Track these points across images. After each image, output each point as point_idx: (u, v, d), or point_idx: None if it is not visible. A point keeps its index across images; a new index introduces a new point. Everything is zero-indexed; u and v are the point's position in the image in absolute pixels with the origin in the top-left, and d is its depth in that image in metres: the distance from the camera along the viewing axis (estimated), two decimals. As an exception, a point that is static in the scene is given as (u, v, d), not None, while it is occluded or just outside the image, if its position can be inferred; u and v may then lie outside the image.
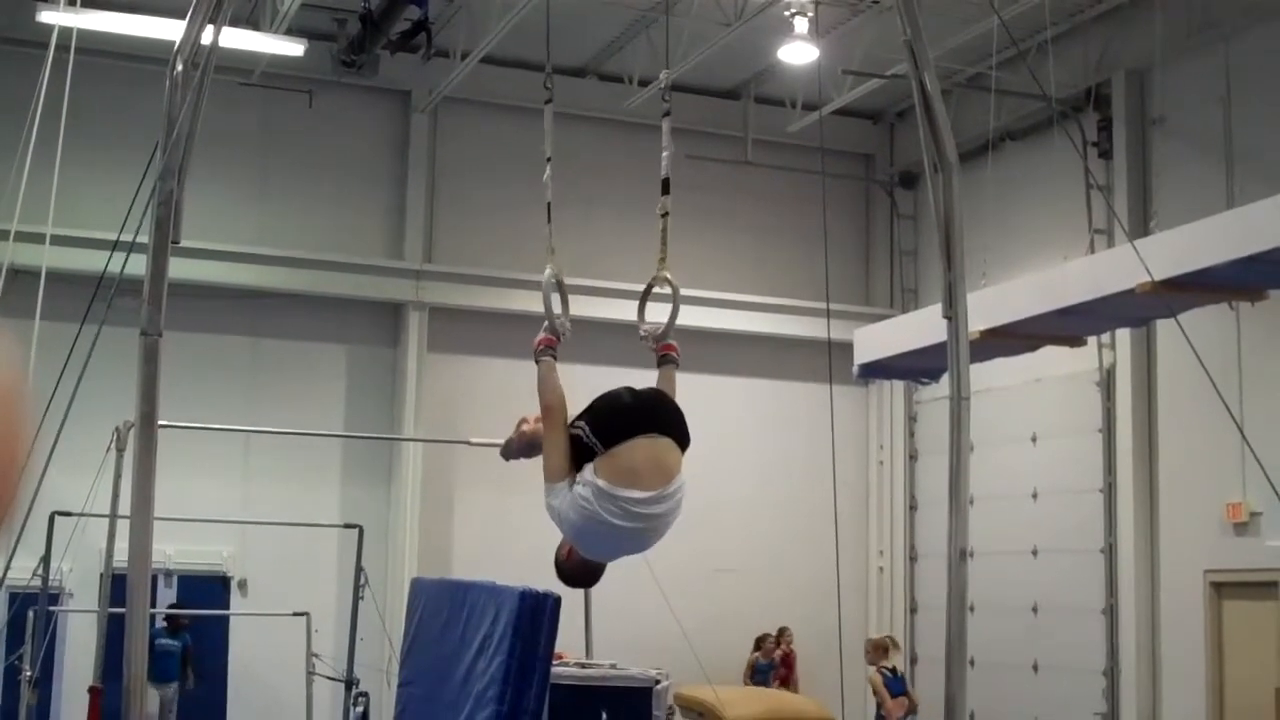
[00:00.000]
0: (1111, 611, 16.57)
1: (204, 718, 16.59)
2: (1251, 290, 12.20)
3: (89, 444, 11.67)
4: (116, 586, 10.63)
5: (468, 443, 14.65)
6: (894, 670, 15.52)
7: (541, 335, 5.38)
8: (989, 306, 12.70)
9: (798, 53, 16.79)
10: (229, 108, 16.30)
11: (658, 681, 11.19)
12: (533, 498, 17.15)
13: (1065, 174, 16.41)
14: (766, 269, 20.03)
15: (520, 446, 5.78)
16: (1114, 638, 16.51)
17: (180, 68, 6.06)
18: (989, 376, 14.40)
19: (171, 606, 16.27)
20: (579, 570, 5.47)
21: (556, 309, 5.38)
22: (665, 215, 6.00)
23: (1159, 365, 16.14)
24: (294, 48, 16.53)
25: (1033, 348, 14.16)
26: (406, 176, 18.94)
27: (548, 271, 5.46)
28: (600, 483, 4.98)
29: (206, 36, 6.13)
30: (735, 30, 16.54)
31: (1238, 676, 15.01)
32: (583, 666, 11.93)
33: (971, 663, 6.92)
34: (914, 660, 19.99)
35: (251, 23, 16.26)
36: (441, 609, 11.20)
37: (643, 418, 5.18)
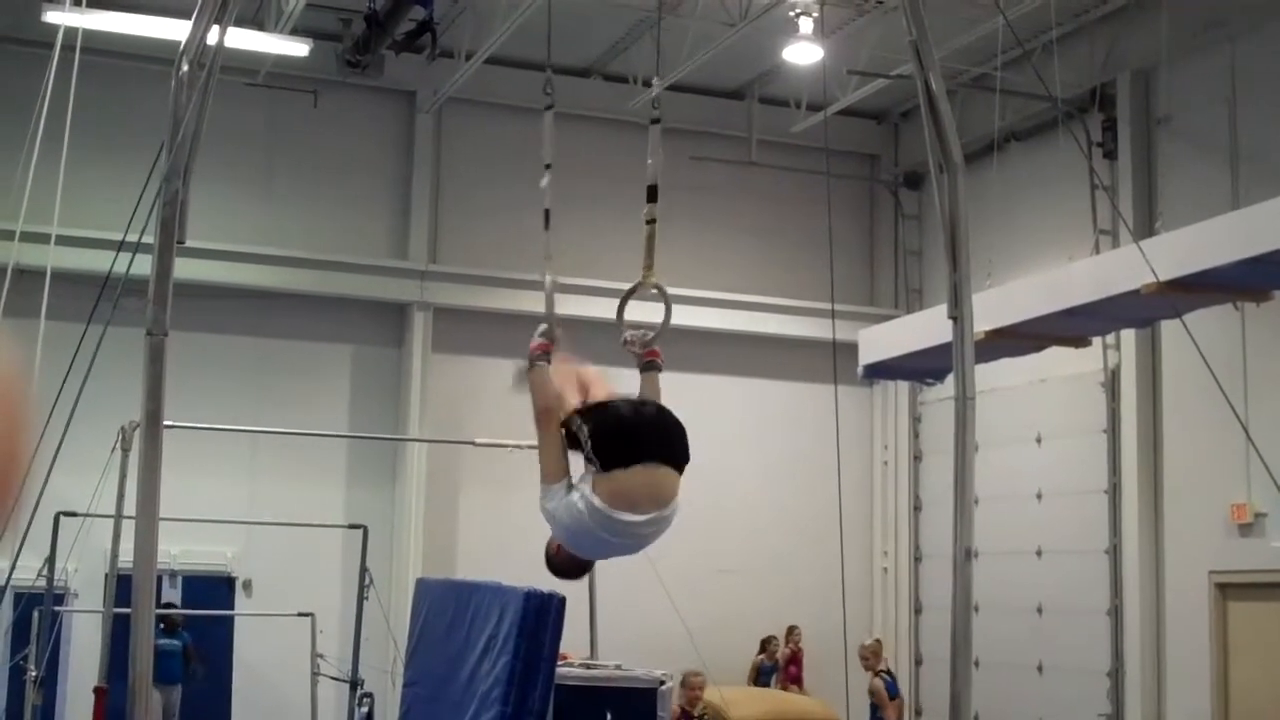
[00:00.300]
0: (1116, 612, 16.56)
1: (209, 718, 16.58)
2: (1257, 291, 12.19)
3: (94, 444, 11.67)
4: (121, 587, 10.63)
5: (472, 443, 14.66)
6: (890, 674, 15.53)
7: (537, 340, 5.40)
8: (994, 307, 12.68)
9: (802, 53, 16.78)
10: (234, 108, 16.31)
11: (662, 682, 11.19)
12: (536, 498, 16.99)
13: (1070, 174, 16.41)
14: (771, 269, 20.01)
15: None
16: (1119, 639, 16.50)
17: (186, 68, 6.06)
18: (994, 377, 14.38)
19: (165, 606, 16.19)
20: (567, 564, 5.55)
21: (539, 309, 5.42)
22: (652, 223, 6.02)
23: (1164, 366, 16.13)
24: (299, 48, 16.54)
25: (1038, 348, 14.14)
26: (411, 177, 18.94)
27: (549, 278, 5.49)
28: (596, 502, 5.02)
29: (212, 36, 6.13)
30: (740, 30, 16.53)
31: (1243, 678, 15.00)
32: (587, 667, 11.93)
33: (976, 663, 6.91)
34: (919, 661, 19.99)
35: (256, 23, 16.27)
36: (446, 609, 11.21)
37: (646, 444, 5.17)
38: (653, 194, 6.06)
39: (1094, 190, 16.18)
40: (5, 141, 11.90)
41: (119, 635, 10.57)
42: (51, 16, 13.24)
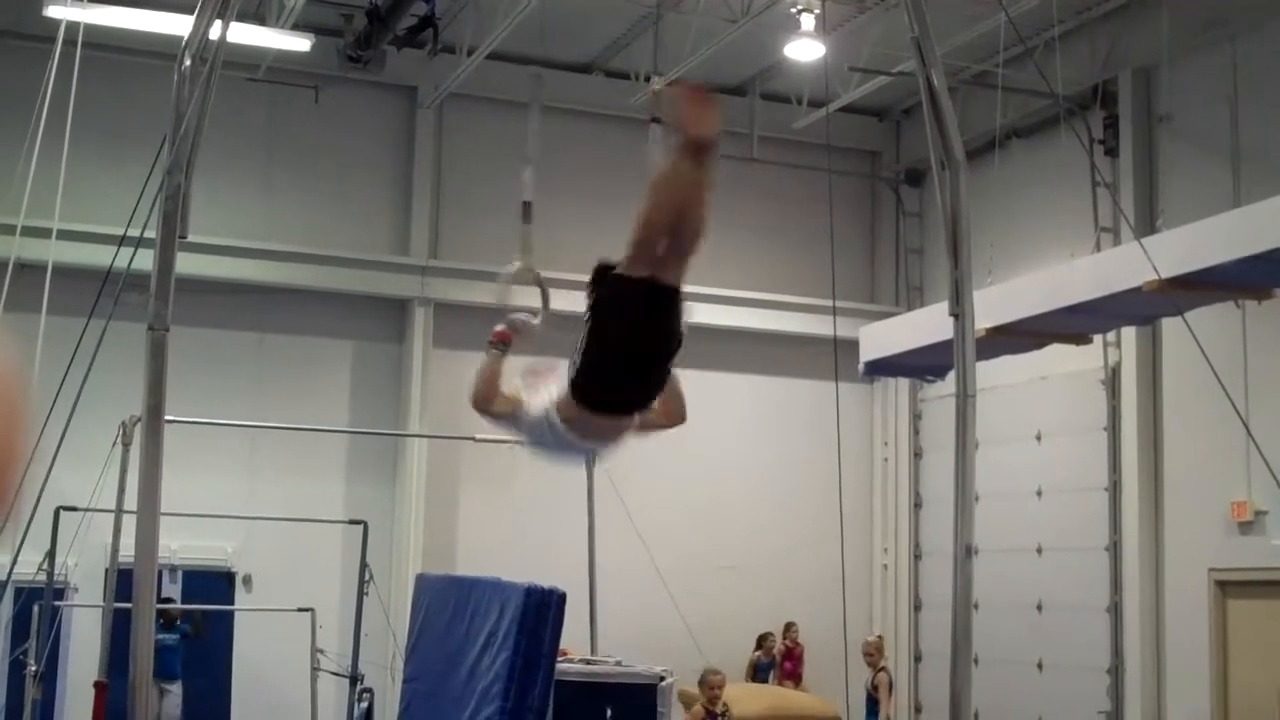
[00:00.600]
0: (1116, 610, 16.56)
1: (208, 713, 16.59)
2: (1258, 289, 12.20)
3: (95, 439, 11.68)
4: (122, 581, 10.65)
5: (472, 439, 14.65)
6: (886, 671, 15.60)
7: (500, 327, 5.53)
8: (995, 304, 12.68)
9: (804, 49, 16.77)
10: (235, 103, 16.29)
11: (662, 678, 11.19)
12: (538, 494, 17.22)
13: (1071, 172, 16.41)
14: (771, 266, 20.01)
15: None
16: (1118, 636, 16.50)
17: (188, 63, 6.07)
18: (994, 374, 14.38)
19: (164, 601, 16.16)
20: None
21: (529, 302, 5.52)
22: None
23: (1164, 363, 16.13)
24: (300, 43, 16.53)
25: (1039, 345, 14.14)
26: (412, 172, 18.93)
27: (514, 266, 5.60)
28: (557, 423, 5.34)
29: (214, 31, 6.14)
30: (741, 27, 16.52)
31: (1242, 676, 15.01)
32: (588, 663, 11.93)
33: (976, 660, 6.92)
34: (918, 658, 20.00)
35: (258, 18, 16.25)
36: (446, 605, 11.22)
37: (622, 402, 5.36)
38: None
39: (1095, 187, 16.16)
40: (6, 136, 11.91)
41: (119, 630, 10.59)
42: (53, 11, 13.23)
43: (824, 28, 16.09)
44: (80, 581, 16.04)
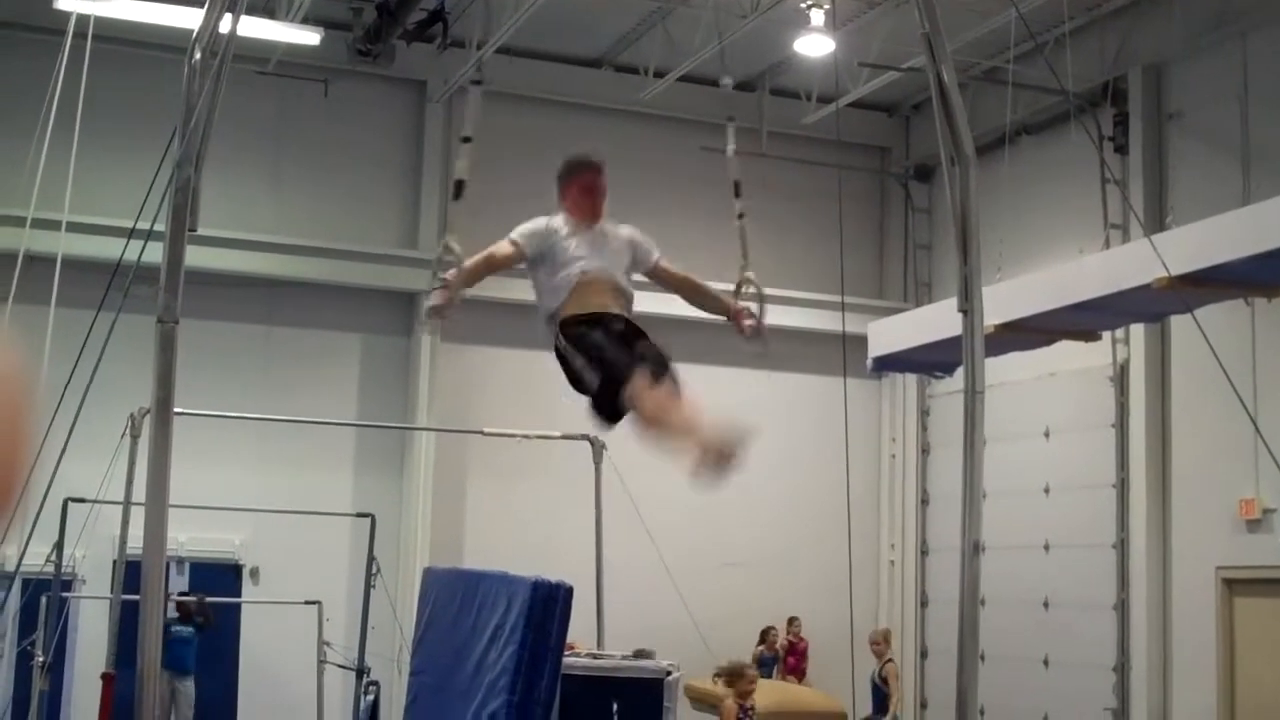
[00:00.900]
0: (1123, 607, 16.55)
1: (214, 705, 16.61)
2: (1267, 286, 12.18)
3: (103, 430, 11.69)
4: (129, 573, 10.67)
5: (481, 432, 14.68)
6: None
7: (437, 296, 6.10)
8: (1004, 301, 12.67)
9: (814, 45, 16.77)
10: (244, 97, 16.29)
11: (669, 673, 11.18)
12: (545, 488, 17.20)
13: (1081, 169, 16.37)
14: (780, 261, 19.96)
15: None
16: (1125, 633, 16.49)
17: (198, 56, 6.07)
18: (1002, 371, 14.38)
19: (182, 594, 16.21)
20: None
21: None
22: (742, 217, 6.38)
23: (1173, 361, 16.10)
24: (310, 37, 16.54)
25: (1048, 342, 14.13)
26: (421, 166, 18.94)
27: (448, 240, 5.85)
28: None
29: (224, 25, 6.14)
30: (751, 22, 16.51)
31: (1249, 673, 14.99)
32: (594, 657, 11.93)
33: (982, 657, 6.92)
34: (924, 654, 19.99)
35: (268, 11, 16.27)
36: (453, 598, 11.21)
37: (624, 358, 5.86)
38: (738, 190, 6.44)
39: (1105, 184, 16.13)
40: (17, 129, 11.93)
41: (127, 621, 10.60)
42: (63, 4, 13.25)
43: (834, 23, 16.07)
44: (88, 573, 16.06)
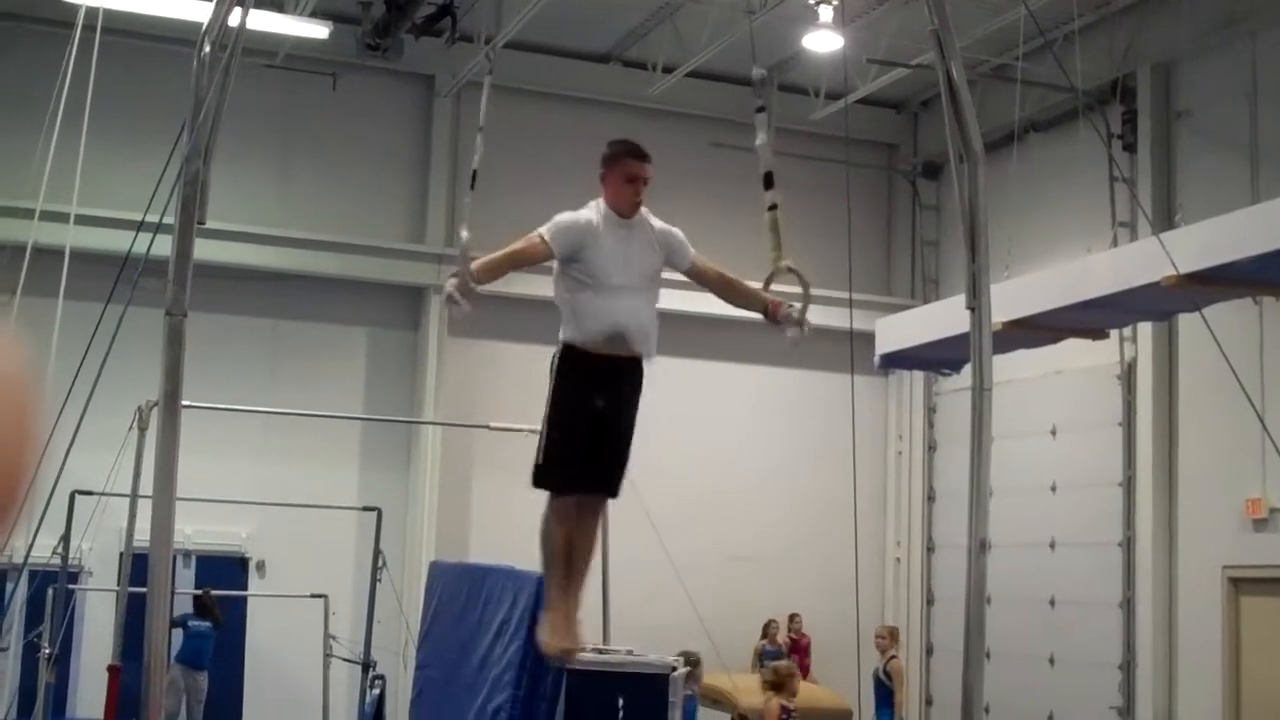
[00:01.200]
0: (1129, 606, 16.54)
1: (221, 699, 16.63)
2: (1275, 285, 12.15)
3: (111, 423, 11.69)
4: (136, 565, 10.68)
5: (487, 427, 14.67)
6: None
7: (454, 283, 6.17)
8: (1012, 298, 12.66)
9: (822, 41, 16.75)
10: (253, 90, 16.31)
11: (674, 668, 11.17)
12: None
13: (1089, 166, 16.37)
14: (788, 257, 19.95)
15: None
16: (1131, 632, 16.48)
17: (207, 49, 6.07)
18: (1009, 368, 14.35)
19: (201, 589, 16.15)
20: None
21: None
22: (774, 209, 6.44)
23: (1180, 359, 16.09)
24: (319, 30, 16.54)
25: (1055, 340, 14.12)
26: (429, 160, 18.94)
27: (465, 235, 5.91)
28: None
29: (233, 18, 6.14)
30: (761, 18, 16.48)
31: (1255, 673, 14.98)
32: (599, 652, 11.94)
33: (988, 655, 6.91)
34: (930, 651, 19.99)
35: (276, 5, 16.27)
36: (459, 593, 11.23)
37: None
38: (769, 181, 6.47)
39: (1113, 182, 16.12)
40: (26, 121, 11.95)
41: (133, 614, 10.62)
42: (73, -4, 13.24)
43: (842, 19, 16.06)
44: (95, 565, 16.10)
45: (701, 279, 6.57)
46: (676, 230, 6.43)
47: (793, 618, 18.99)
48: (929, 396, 20.47)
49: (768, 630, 18.83)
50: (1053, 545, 17.61)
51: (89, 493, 12.92)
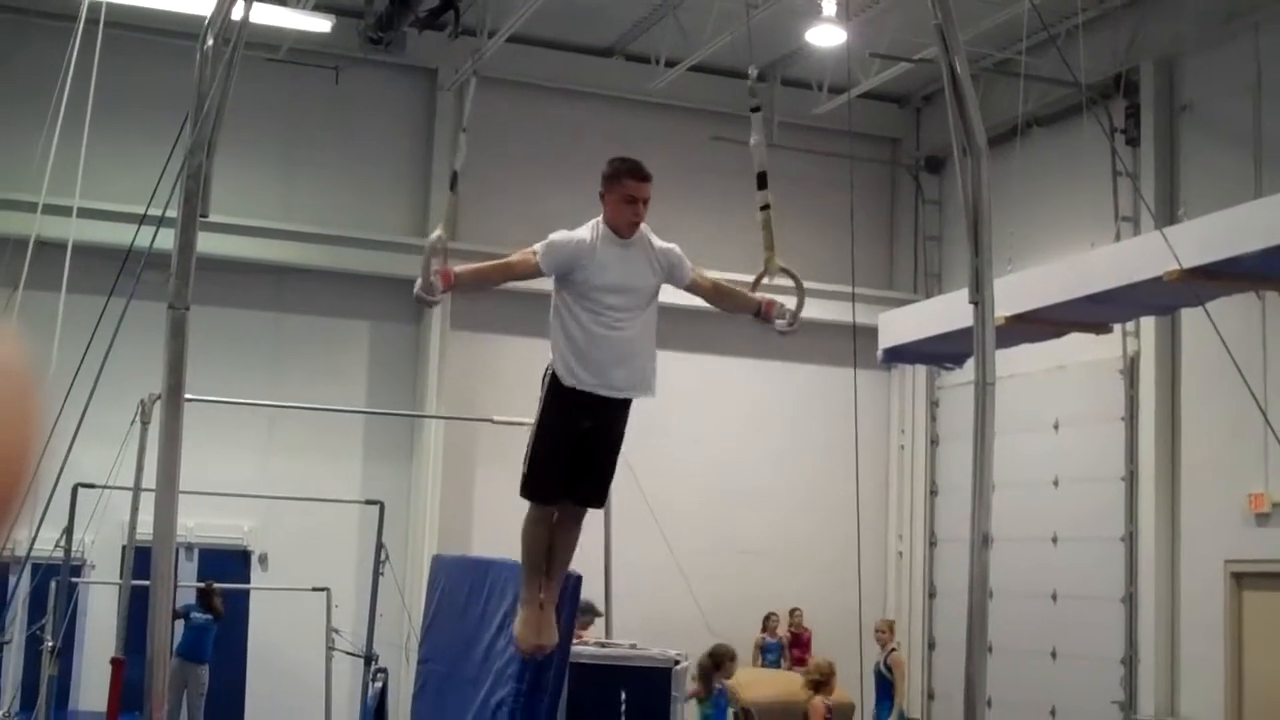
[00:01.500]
0: (1131, 600, 16.54)
1: (223, 692, 16.64)
2: (1278, 280, 12.15)
3: (113, 416, 11.70)
4: (139, 559, 10.69)
5: (490, 420, 14.67)
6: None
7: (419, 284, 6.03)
8: (1015, 292, 12.65)
9: (825, 35, 16.74)
10: (255, 83, 16.29)
11: (677, 662, 11.19)
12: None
13: (1092, 160, 16.35)
14: (790, 252, 19.76)
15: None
16: (1133, 626, 16.48)
17: (210, 42, 6.07)
18: (1012, 363, 14.36)
19: (204, 581, 16.15)
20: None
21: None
22: (766, 208, 6.45)
23: (1183, 354, 16.08)
24: (321, 24, 16.54)
25: (1058, 334, 14.11)
26: (432, 154, 18.91)
27: (434, 235, 5.88)
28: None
29: (237, 11, 6.14)
30: (763, 12, 16.48)
31: (1257, 667, 14.98)
32: (603, 646, 11.95)
33: (990, 649, 6.91)
34: (932, 645, 20.00)
35: (279, -2, 16.27)
36: (462, 586, 11.23)
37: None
38: (763, 180, 6.47)
39: (1116, 177, 16.10)
40: (28, 114, 11.94)
41: (136, 607, 10.62)
42: (75, -11, 13.23)
43: (846, 13, 16.05)
44: (97, 558, 16.11)
45: (698, 292, 6.57)
46: (675, 247, 6.38)
47: (793, 611, 19.00)
48: (931, 391, 20.46)
49: (767, 623, 18.84)
50: (1055, 540, 17.62)
51: (92, 486, 12.92)
